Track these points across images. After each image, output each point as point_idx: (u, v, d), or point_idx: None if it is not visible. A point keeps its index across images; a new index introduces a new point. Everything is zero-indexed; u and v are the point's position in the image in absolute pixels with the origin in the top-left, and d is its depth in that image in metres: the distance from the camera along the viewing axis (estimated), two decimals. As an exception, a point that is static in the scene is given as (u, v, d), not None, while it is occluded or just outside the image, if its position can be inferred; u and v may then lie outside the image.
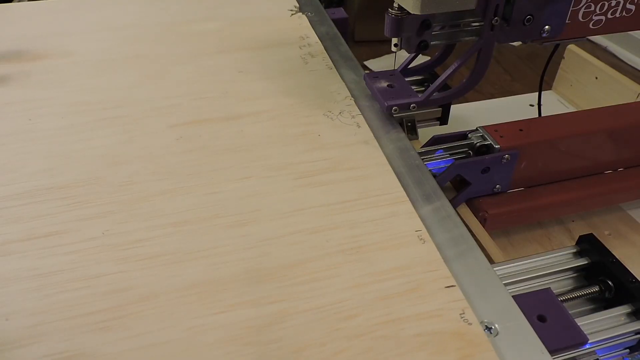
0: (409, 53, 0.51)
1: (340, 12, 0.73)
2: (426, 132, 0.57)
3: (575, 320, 0.36)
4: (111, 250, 0.37)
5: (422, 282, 0.35)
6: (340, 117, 0.50)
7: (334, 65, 0.59)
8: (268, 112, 0.51)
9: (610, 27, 0.50)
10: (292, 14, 0.68)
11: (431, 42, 0.47)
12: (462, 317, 0.32)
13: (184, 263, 0.36)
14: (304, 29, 0.66)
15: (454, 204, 0.53)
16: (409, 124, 0.55)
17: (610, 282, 0.41)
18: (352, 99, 0.53)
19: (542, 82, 0.72)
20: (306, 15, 0.69)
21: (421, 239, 0.38)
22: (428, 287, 0.34)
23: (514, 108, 0.86)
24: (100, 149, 0.47)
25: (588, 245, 0.44)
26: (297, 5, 0.71)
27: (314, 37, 0.64)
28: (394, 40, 0.46)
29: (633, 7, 0.49)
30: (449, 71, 0.48)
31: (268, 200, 0.41)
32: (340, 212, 0.40)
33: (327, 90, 0.54)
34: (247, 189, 0.42)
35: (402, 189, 0.42)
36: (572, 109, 0.85)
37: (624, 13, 0.50)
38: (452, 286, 0.34)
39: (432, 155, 0.53)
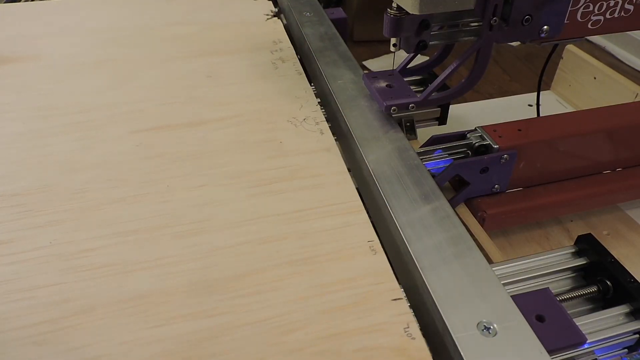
0: (407, 53, 0.51)
1: (339, 12, 0.73)
2: (425, 132, 0.57)
3: (574, 320, 0.36)
4: (56, 261, 0.36)
5: (369, 295, 0.34)
6: (304, 124, 0.49)
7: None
8: (232, 118, 0.50)
9: (609, 27, 0.50)
10: (267, 19, 0.68)
11: (430, 42, 0.47)
12: (406, 332, 0.32)
13: (128, 274, 0.35)
14: (277, 34, 0.65)
15: (453, 204, 0.53)
16: (408, 124, 0.55)
17: (608, 282, 0.41)
18: (318, 105, 0.52)
19: (540, 82, 0.72)
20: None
21: (372, 250, 0.37)
22: (374, 300, 0.34)
23: (512, 108, 0.87)
24: (58, 155, 0.46)
25: (586, 245, 0.44)
26: (274, 10, 0.71)
27: (286, 42, 0.63)
28: (393, 40, 0.46)
29: (631, 8, 0.49)
30: (447, 71, 0.48)
31: (221, 210, 0.40)
32: (293, 221, 0.39)
33: (294, 96, 0.54)
34: (201, 198, 0.41)
35: (358, 198, 0.41)
36: (570, 109, 0.85)
37: (622, 13, 0.50)
38: (398, 299, 0.34)
39: (431, 155, 0.53)
